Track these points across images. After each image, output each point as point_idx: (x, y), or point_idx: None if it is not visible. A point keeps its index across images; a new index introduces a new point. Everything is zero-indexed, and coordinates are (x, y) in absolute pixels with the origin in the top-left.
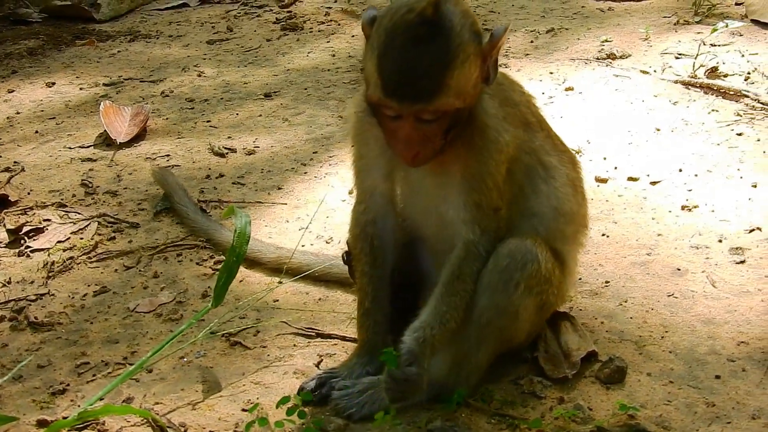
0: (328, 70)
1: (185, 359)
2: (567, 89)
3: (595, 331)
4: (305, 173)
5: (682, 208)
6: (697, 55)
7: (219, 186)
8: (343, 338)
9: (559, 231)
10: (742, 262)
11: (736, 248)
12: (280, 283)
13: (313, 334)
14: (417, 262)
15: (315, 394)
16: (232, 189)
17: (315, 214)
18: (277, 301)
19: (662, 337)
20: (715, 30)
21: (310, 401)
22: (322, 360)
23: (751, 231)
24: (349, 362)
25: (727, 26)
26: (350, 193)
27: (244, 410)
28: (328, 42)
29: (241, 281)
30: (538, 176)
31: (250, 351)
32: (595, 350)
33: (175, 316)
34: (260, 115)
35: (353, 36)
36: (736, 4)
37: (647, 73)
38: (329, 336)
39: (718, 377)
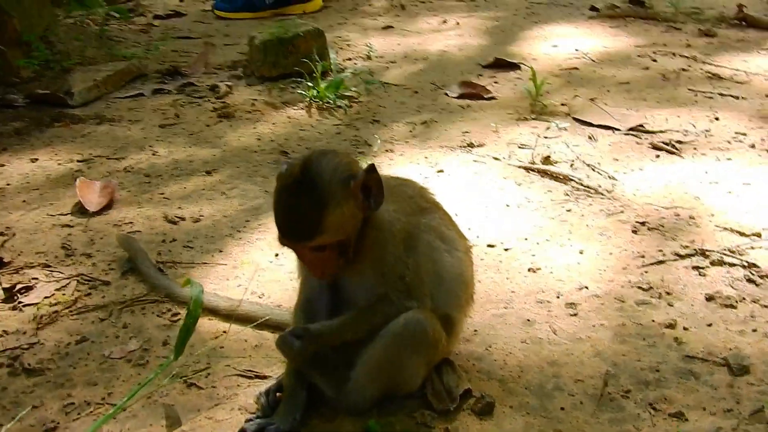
0: (255, 151)
1: (151, 399)
2: (438, 171)
3: (468, 372)
4: (240, 238)
5: (529, 270)
6: (535, 146)
7: (173, 249)
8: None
9: (459, 296)
10: (575, 314)
11: (570, 303)
12: (224, 332)
13: (252, 375)
14: None
15: None
16: (183, 252)
17: (253, 274)
18: (222, 347)
19: (519, 376)
20: (548, 127)
21: None
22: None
23: (581, 289)
24: (281, 411)
25: (558, 125)
26: (276, 255)
27: None
28: (254, 128)
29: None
30: (441, 249)
31: (203, 391)
32: (470, 388)
33: (141, 362)
34: (203, 189)
35: (274, 123)
36: (561, 105)
37: (498, 159)
38: (265, 377)
39: (562, 409)
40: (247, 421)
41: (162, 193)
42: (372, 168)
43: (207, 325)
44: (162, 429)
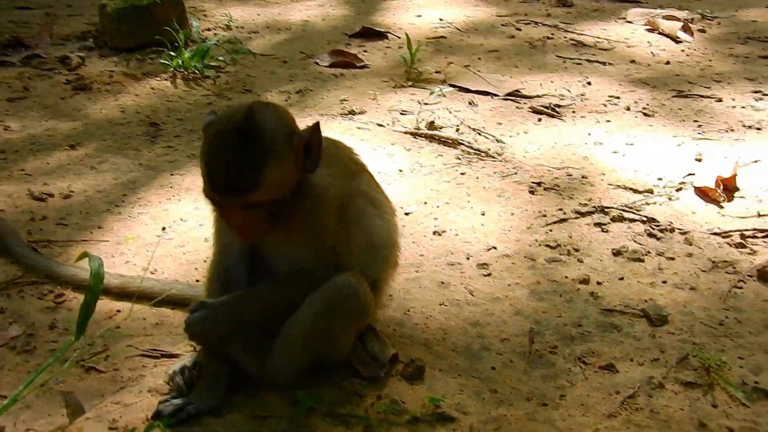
0: (121, 124)
1: (45, 387)
2: None
3: (391, 337)
4: (120, 213)
5: (434, 233)
6: (420, 112)
7: (44, 227)
8: (180, 356)
9: (388, 261)
10: (489, 275)
11: (482, 264)
12: (118, 311)
13: (158, 354)
14: None
15: (178, 417)
16: (56, 229)
17: (139, 250)
18: (119, 327)
19: (443, 338)
20: (432, 93)
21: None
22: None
23: (489, 249)
24: (201, 390)
25: (441, 90)
26: (163, 229)
27: (111, 429)
28: (116, 100)
29: None
30: (372, 214)
31: (104, 374)
32: (396, 353)
33: (28, 348)
34: (69, 164)
35: (137, 95)
36: (436, 72)
37: (382, 125)
38: (172, 356)
39: (493, 368)
40: (162, 402)
41: (22, 170)
42: (318, 126)
43: (98, 305)
44: (63, 419)
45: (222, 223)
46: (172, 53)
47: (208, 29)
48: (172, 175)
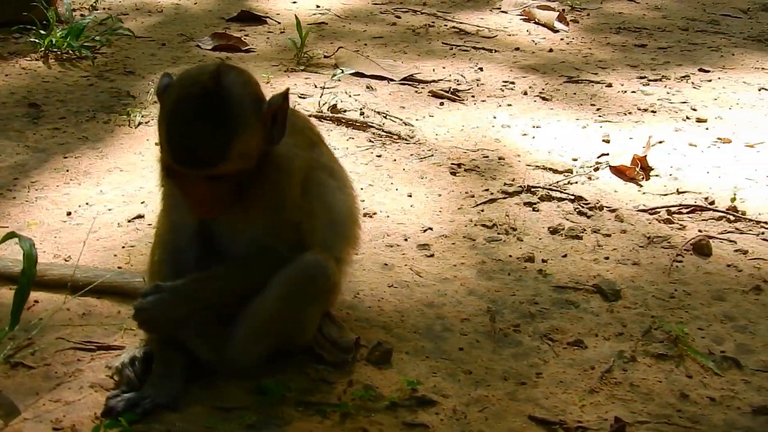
0: None
1: None
2: None
3: (346, 321)
4: (14, 198)
5: (365, 215)
6: (321, 95)
7: None
8: (121, 348)
9: (349, 237)
10: (432, 255)
11: (422, 245)
12: (36, 302)
13: (94, 347)
14: None
15: (132, 413)
16: None
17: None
18: (41, 319)
19: (402, 320)
20: (333, 76)
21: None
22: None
23: (425, 230)
24: (155, 382)
25: (342, 72)
26: (68, 214)
27: (56, 429)
28: None
29: None
30: (334, 187)
31: (34, 370)
32: (359, 337)
33: None
34: None
35: (7, 75)
36: (325, 56)
37: None
38: (110, 347)
39: (461, 349)
40: (112, 398)
41: None
42: (287, 94)
43: (8, 296)
44: None
45: (173, 200)
46: (43, 32)
47: (74, 9)
48: (65, 158)
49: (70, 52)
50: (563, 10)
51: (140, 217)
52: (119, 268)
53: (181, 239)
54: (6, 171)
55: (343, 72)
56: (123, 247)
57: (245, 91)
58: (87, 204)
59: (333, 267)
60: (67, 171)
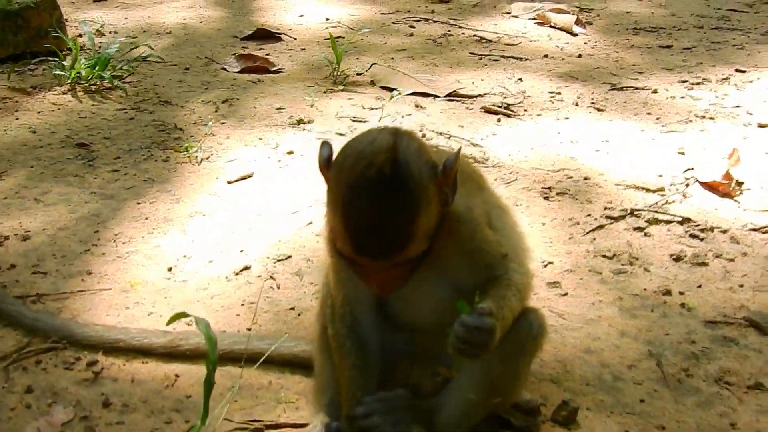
0: (40, 146)
1: None
2: (288, 153)
3: None
4: (104, 254)
5: None
6: (381, 118)
7: (20, 278)
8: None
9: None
10: (565, 294)
11: (552, 282)
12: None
13: (262, 426)
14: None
15: None
16: (36, 280)
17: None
18: (190, 396)
19: (566, 371)
20: (392, 97)
21: None
22: None
23: (546, 265)
24: None
25: (400, 93)
26: (170, 270)
27: None
28: (17, 119)
29: (132, 381)
30: (511, 224)
31: None
32: (537, 400)
33: None
34: (6, 198)
35: (39, 112)
36: (358, 74)
37: (343, 135)
38: (283, 425)
39: (642, 401)
40: None
41: None
42: (459, 153)
43: (145, 370)
44: None
45: (345, 273)
46: (65, 63)
47: (79, 35)
48: (139, 204)
49: (98, 83)
50: (578, 10)
51: (247, 268)
52: (249, 329)
53: (358, 313)
54: (83, 223)
55: (400, 93)
56: (242, 304)
57: (420, 161)
58: (184, 257)
59: (546, 324)
60: (147, 219)
